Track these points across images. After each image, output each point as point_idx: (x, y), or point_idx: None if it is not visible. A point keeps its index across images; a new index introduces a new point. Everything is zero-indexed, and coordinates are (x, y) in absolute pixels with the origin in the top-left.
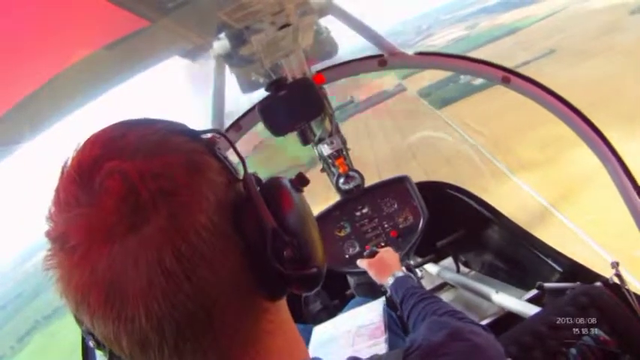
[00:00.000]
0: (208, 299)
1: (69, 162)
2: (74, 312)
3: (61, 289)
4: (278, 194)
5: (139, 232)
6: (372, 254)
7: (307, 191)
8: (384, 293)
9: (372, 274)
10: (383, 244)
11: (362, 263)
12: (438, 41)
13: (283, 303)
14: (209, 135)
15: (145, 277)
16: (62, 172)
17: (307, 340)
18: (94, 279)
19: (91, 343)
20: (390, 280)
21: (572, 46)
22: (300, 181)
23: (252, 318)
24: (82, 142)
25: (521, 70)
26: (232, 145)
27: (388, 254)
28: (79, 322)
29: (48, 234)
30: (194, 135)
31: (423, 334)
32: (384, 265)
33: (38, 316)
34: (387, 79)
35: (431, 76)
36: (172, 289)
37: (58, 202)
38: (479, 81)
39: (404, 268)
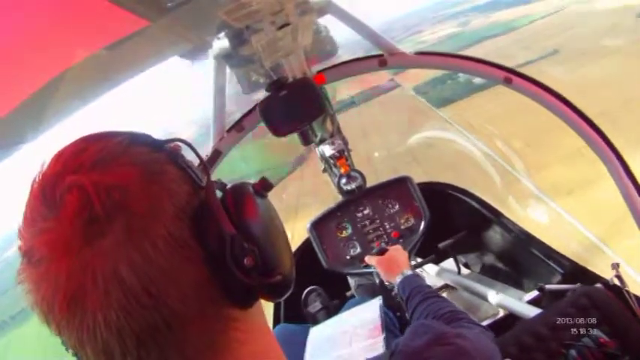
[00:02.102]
0: (168, 311)
1: (36, 179)
2: (45, 323)
3: (31, 302)
4: (239, 201)
5: (94, 245)
6: (382, 251)
7: None
8: (386, 292)
9: (380, 271)
10: (384, 245)
11: (371, 260)
12: (428, 37)
13: (257, 310)
14: (172, 144)
15: (102, 289)
16: (30, 189)
17: (305, 341)
18: (57, 291)
19: (70, 352)
20: (398, 279)
21: (576, 47)
22: (264, 187)
23: (218, 328)
24: (47, 159)
25: (523, 71)
26: (196, 153)
27: (398, 252)
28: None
29: (19, 249)
30: (156, 145)
31: (406, 338)
32: (394, 263)
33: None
34: (377, 75)
35: (423, 74)
36: (130, 302)
37: (25, 218)
38: (479, 79)
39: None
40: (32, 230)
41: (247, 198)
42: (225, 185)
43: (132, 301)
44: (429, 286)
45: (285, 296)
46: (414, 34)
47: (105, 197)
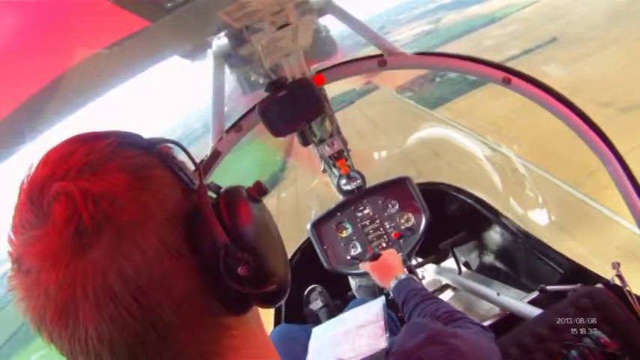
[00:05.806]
0: (160, 321)
1: (24, 183)
2: (36, 331)
3: (23, 310)
4: (233, 206)
5: (83, 256)
6: (375, 257)
7: None
8: (386, 295)
9: (374, 277)
10: (384, 245)
11: (364, 266)
12: (399, 36)
13: (252, 315)
14: (163, 145)
15: (93, 300)
16: (19, 194)
17: (306, 341)
18: (48, 301)
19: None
20: (392, 283)
21: (573, 36)
22: (259, 191)
23: (212, 336)
24: (35, 162)
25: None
26: (189, 155)
27: (391, 256)
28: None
29: (9, 254)
30: (147, 147)
31: (401, 339)
32: (387, 268)
33: None
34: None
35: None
36: (120, 313)
37: (14, 224)
38: None
39: (406, 270)
40: (21, 238)
41: (241, 204)
42: (220, 188)
43: (123, 313)
44: (424, 288)
45: (281, 303)
46: (384, 34)
47: (92, 207)
